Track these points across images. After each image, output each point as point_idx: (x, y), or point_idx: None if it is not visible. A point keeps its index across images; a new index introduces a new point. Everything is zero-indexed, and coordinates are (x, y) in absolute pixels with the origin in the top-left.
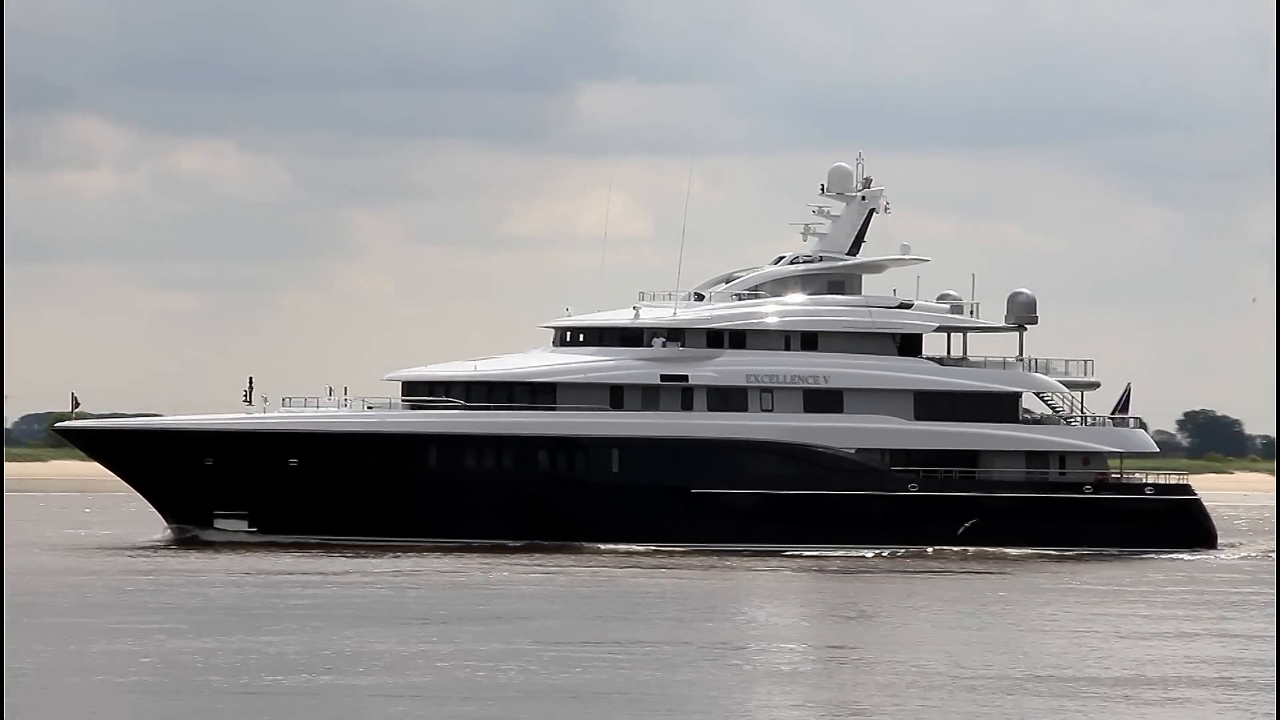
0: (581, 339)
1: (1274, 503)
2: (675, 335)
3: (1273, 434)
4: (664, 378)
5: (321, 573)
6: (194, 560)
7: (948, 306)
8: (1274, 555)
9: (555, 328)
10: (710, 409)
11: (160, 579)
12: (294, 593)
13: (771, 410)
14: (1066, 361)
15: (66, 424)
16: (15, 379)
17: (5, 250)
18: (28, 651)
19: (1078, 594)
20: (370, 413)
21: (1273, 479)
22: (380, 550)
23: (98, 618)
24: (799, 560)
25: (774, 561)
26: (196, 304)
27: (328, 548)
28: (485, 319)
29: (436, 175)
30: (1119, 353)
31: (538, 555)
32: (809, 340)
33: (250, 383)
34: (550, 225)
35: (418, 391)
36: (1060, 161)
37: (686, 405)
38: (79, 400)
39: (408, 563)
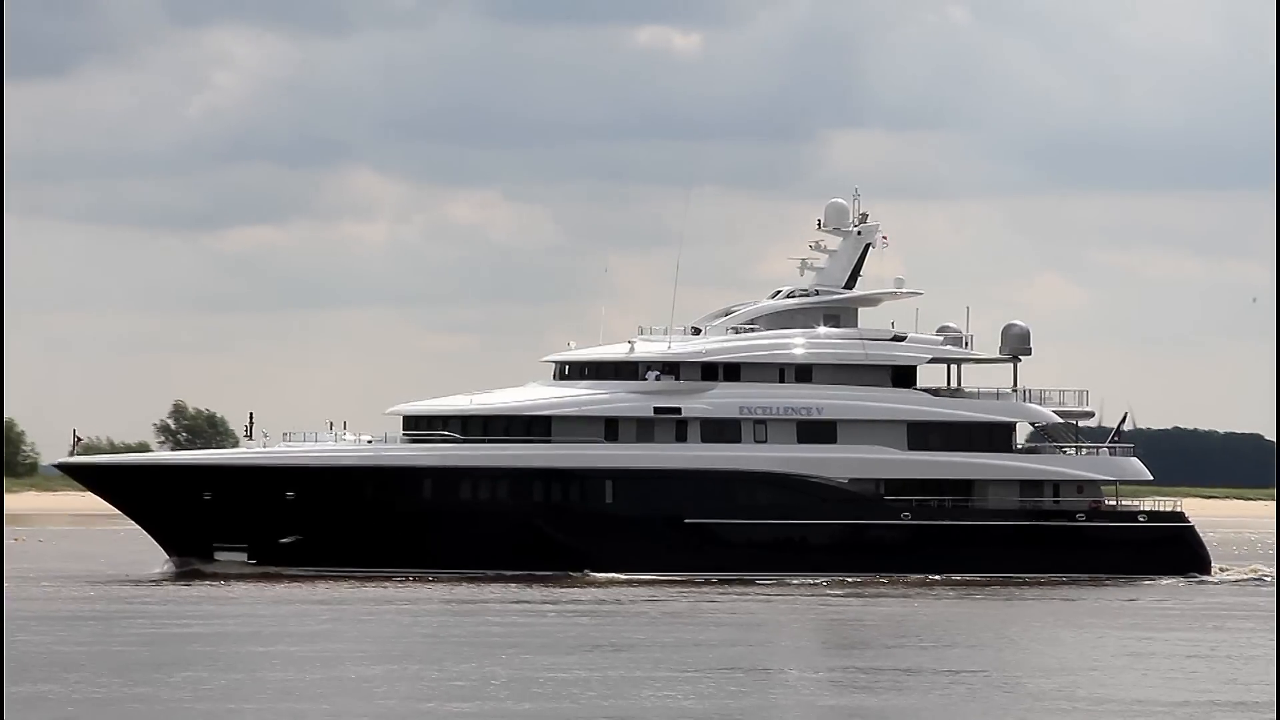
0: (579, 373)
1: None
2: (670, 369)
3: None
4: (657, 410)
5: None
6: (388, 591)
7: (941, 339)
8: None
9: (555, 362)
10: (704, 440)
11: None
12: (501, 620)
13: (765, 441)
14: (1061, 392)
15: (67, 460)
16: (295, 415)
17: (294, 299)
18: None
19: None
20: (365, 446)
21: None
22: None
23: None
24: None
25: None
26: (468, 345)
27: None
28: None
29: (692, 220)
30: None
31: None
32: (803, 373)
33: (251, 418)
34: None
35: (417, 425)
36: None
37: (681, 437)
38: (80, 436)
39: (598, 592)
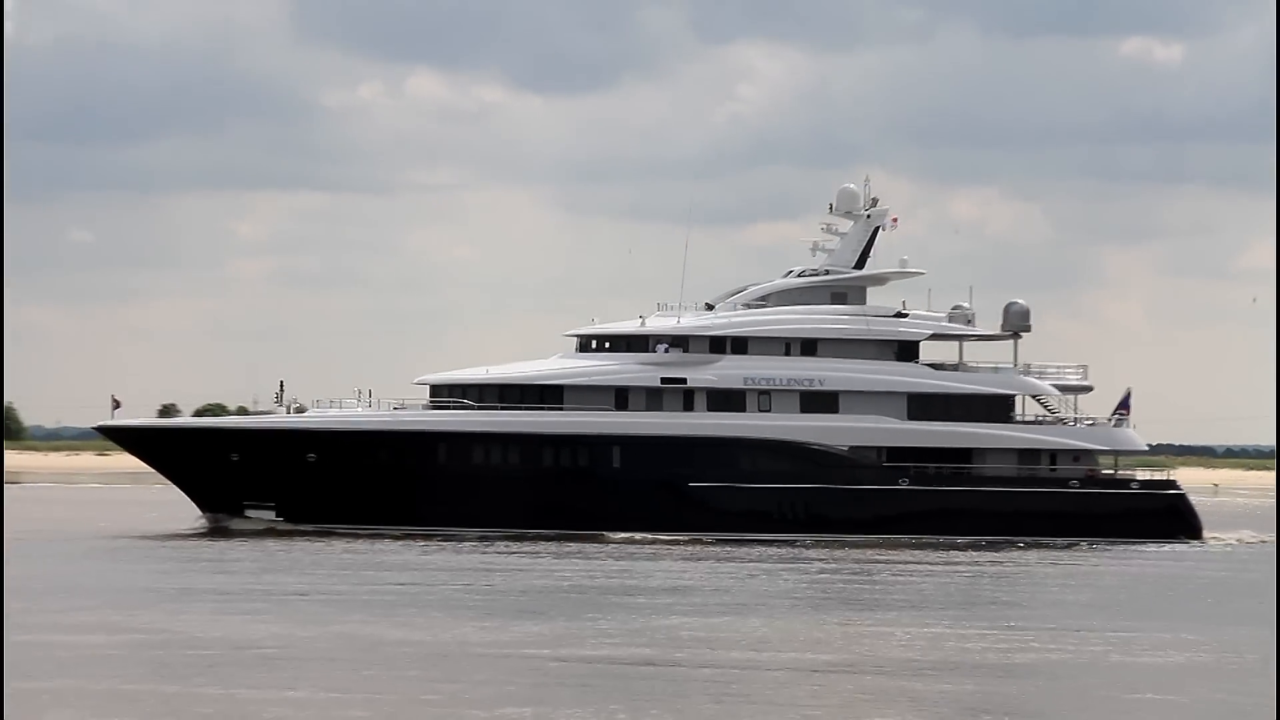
0: (600, 345)
1: None
2: (679, 342)
3: None
4: (664, 380)
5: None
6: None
7: (943, 315)
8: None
9: (577, 336)
10: (710, 410)
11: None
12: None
13: (769, 411)
14: (1060, 367)
15: (107, 423)
16: None
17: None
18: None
19: None
20: (377, 412)
21: None
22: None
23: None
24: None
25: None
26: None
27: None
28: (1220, 344)
29: (1178, 216)
30: None
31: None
32: (808, 347)
33: (281, 386)
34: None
35: (439, 394)
36: None
37: (688, 406)
38: (119, 401)
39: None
